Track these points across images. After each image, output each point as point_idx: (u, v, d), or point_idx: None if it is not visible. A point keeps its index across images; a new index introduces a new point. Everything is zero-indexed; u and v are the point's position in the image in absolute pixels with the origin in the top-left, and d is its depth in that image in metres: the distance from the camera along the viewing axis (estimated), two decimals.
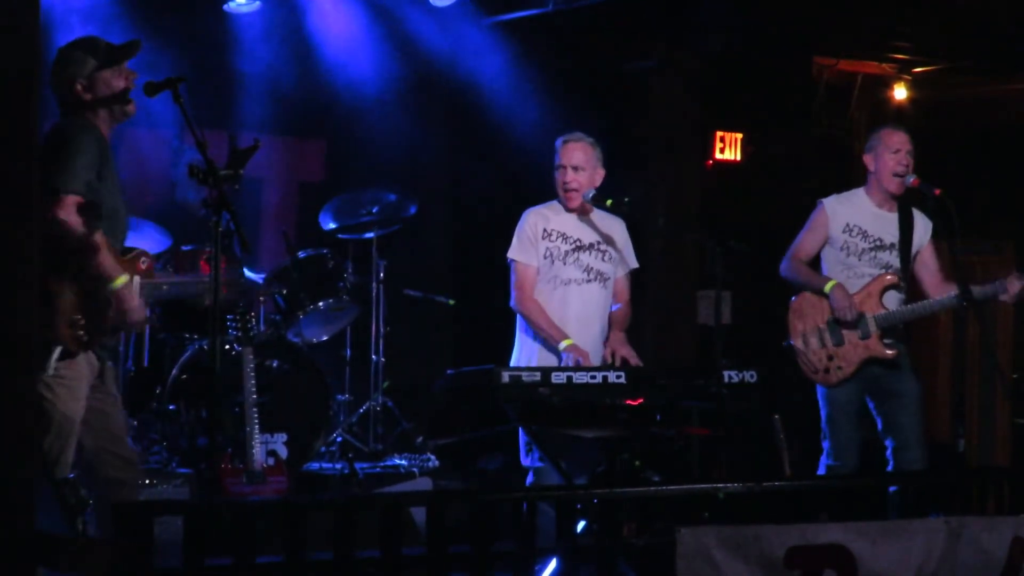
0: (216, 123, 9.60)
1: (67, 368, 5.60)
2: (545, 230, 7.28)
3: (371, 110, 10.47)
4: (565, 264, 7.26)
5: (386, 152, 10.53)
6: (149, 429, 8.83)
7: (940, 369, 11.05)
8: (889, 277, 7.47)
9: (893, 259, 7.52)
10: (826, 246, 7.62)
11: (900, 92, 11.70)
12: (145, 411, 8.89)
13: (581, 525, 5.99)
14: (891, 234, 7.54)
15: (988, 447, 11.06)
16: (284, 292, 9.11)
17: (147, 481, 8.14)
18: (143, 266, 5.94)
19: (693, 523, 5.12)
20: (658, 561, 5.10)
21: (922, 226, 7.62)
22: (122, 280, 5.69)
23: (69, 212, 5.48)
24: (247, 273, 9.14)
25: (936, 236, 7.63)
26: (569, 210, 7.35)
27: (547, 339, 7.11)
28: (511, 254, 7.32)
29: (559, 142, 7.38)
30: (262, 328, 9.05)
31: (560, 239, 7.27)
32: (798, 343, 7.52)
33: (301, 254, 9.23)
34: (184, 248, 9.03)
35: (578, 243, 7.30)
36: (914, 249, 7.58)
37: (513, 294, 7.27)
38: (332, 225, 9.84)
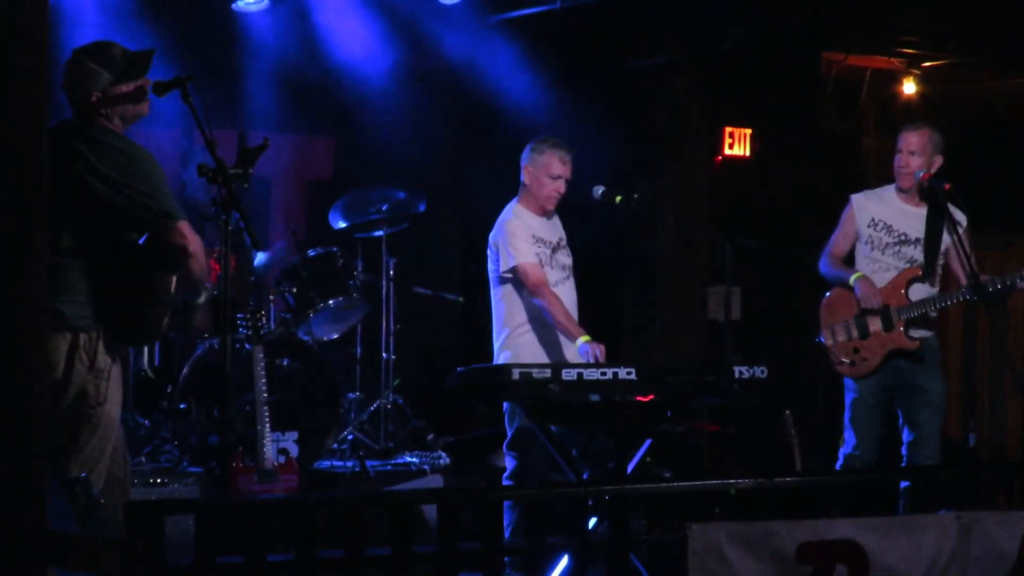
0: (225, 122, 9.62)
1: (114, 369, 5.63)
2: (533, 235, 7.31)
3: (379, 107, 10.47)
4: (552, 267, 7.32)
5: (395, 149, 10.53)
6: (160, 428, 8.85)
7: (950, 364, 11.04)
8: (914, 270, 7.54)
9: (918, 254, 7.58)
10: (857, 241, 7.72)
11: (909, 87, 11.67)
12: (156, 410, 8.91)
13: (592, 522, 6.01)
14: (917, 229, 7.60)
15: (999, 442, 11.06)
16: (294, 290, 9.12)
17: (158, 480, 8.16)
18: None
19: (704, 519, 5.12)
20: (669, 557, 5.11)
21: (953, 224, 7.63)
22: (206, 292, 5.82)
23: (196, 241, 5.58)
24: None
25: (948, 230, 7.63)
26: (533, 212, 7.41)
27: (565, 333, 7.12)
28: (514, 262, 7.25)
29: (562, 155, 7.37)
30: (272, 326, 9.06)
31: (541, 244, 7.33)
32: (827, 338, 7.62)
33: (311, 252, 9.24)
34: None
35: (552, 244, 7.38)
36: (944, 244, 7.61)
37: (536, 291, 7.18)
38: (341, 223, 9.84)
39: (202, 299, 5.82)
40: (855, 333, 7.55)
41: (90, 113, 5.69)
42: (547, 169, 7.34)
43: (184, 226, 5.59)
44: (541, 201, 7.37)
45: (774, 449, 9.33)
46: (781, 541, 5.11)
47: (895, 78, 11.75)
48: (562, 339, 7.23)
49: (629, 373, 6.33)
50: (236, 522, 4.69)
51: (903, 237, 7.60)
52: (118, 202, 5.48)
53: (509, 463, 7.26)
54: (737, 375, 6.44)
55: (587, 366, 6.50)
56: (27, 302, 4.24)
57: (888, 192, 7.73)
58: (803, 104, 11.34)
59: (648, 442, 6.91)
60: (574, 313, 7.37)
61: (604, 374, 6.30)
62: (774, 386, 6.63)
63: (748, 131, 11.27)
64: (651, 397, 6.50)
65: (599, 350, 6.96)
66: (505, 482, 7.26)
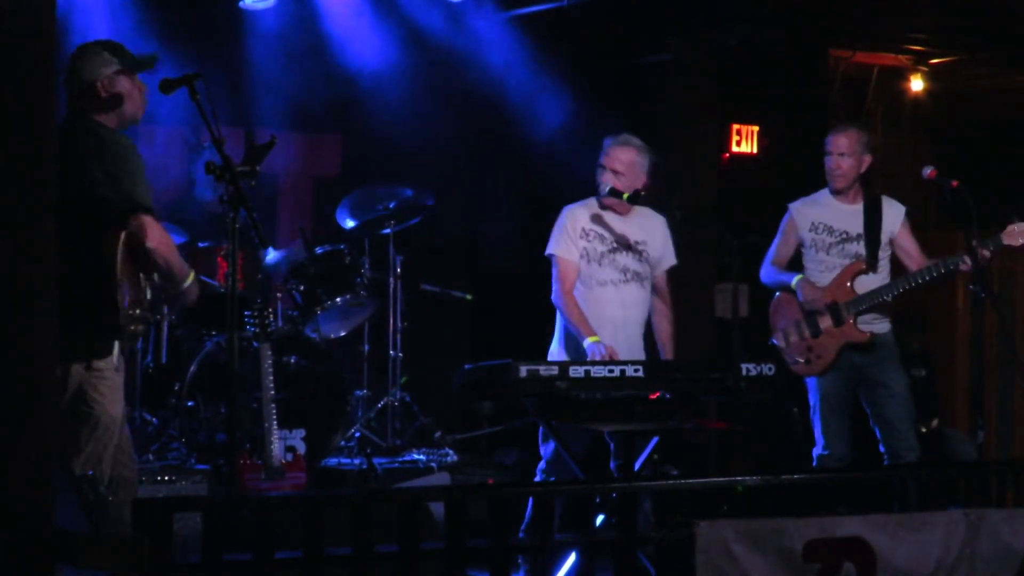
0: (232, 119, 9.62)
1: (109, 367, 5.63)
2: (584, 229, 7.29)
3: (387, 104, 10.46)
4: (601, 265, 7.28)
5: (402, 147, 10.52)
6: (168, 425, 8.85)
7: (958, 360, 11.04)
8: (857, 265, 7.69)
9: (860, 249, 7.75)
10: (801, 247, 7.89)
11: (917, 84, 11.67)
12: (163, 407, 8.91)
13: (600, 519, 6.01)
14: (856, 226, 7.77)
15: (1007, 439, 11.05)
16: (301, 288, 9.12)
17: (166, 477, 8.17)
18: None
19: (712, 516, 5.12)
20: (677, 555, 5.10)
21: (892, 213, 7.83)
22: (191, 277, 5.80)
23: (156, 235, 5.57)
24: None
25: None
26: (605, 207, 7.35)
27: (576, 333, 7.13)
28: (551, 250, 7.34)
29: (608, 142, 7.37)
30: (280, 324, 9.06)
31: (597, 240, 7.29)
32: (779, 340, 7.79)
33: (318, 250, 9.23)
34: (201, 245, 9.06)
35: (615, 245, 7.31)
36: (886, 236, 7.77)
37: (553, 287, 7.29)
38: (349, 221, 9.84)
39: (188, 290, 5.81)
40: (807, 332, 7.70)
41: (87, 108, 5.69)
42: (600, 160, 7.37)
43: (152, 223, 5.60)
44: (600, 196, 7.38)
45: (782, 446, 9.33)
46: (789, 539, 5.11)
47: (903, 75, 11.75)
48: (608, 330, 7.20)
49: (636, 370, 6.33)
50: (243, 519, 4.69)
51: (845, 235, 7.76)
52: (99, 193, 5.49)
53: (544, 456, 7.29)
54: (744, 372, 6.44)
55: (594, 363, 6.50)
56: (35, 303, 4.24)
57: (824, 196, 7.91)
58: (810, 101, 11.33)
59: (655, 439, 6.91)
60: (631, 318, 7.35)
61: (611, 371, 6.30)
62: (782, 383, 6.63)
63: (755, 128, 11.26)
64: (658, 394, 6.50)
65: (604, 350, 6.95)
66: (539, 473, 7.28)
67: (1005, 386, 10.98)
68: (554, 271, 7.31)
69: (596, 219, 7.34)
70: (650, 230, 7.42)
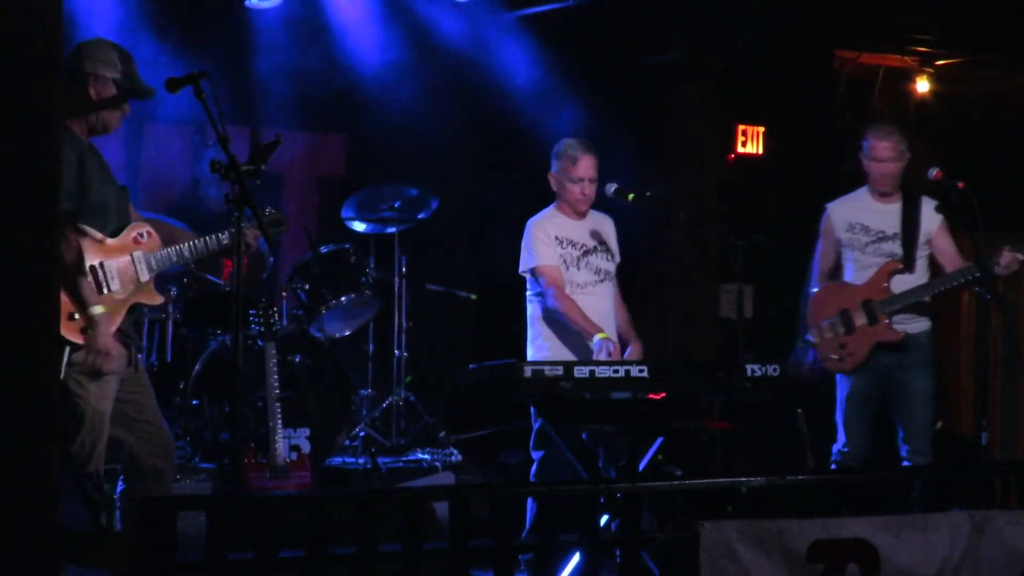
0: (238, 118, 9.62)
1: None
2: (556, 237, 7.33)
3: (392, 104, 10.46)
4: (579, 269, 7.33)
5: (407, 146, 10.53)
6: (172, 424, 8.81)
7: (963, 362, 11.04)
8: (893, 264, 7.66)
9: (896, 248, 7.71)
10: (840, 247, 7.86)
11: (922, 85, 11.65)
12: (168, 406, 8.90)
13: (604, 519, 6.00)
14: (893, 225, 7.74)
15: (1011, 440, 11.05)
16: (306, 287, 9.12)
17: None
18: (142, 240, 5.95)
19: (716, 517, 5.12)
20: (680, 555, 5.10)
21: (929, 213, 7.75)
22: (100, 309, 5.71)
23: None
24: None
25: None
26: (566, 214, 7.42)
27: (581, 331, 7.13)
28: (532, 263, 7.33)
29: (574, 152, 7.41)
30: (284, 323, 9.06)
31: (570, 246, 7.34)
32: (815, 336, 7.75)
33: (323, 249, 9.23)
34: None
35: (585, 247, 7.37)
36: (923, 236, 7.74)
37: (548, 293, 7.26)
38: (354, 220, 9.84)
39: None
40: (841, 329, 7.67)
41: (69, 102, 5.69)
42: (567, 173, 7.38)
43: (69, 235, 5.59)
44: (571, 204, 7.40)
45: (786, 447, 9.32)
46: (793, 539, 5.10)
47: (908, 76, 11.74)
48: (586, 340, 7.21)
49: (641, 371, 6.31)
50: (248, 518, 4.69)
51: (881, 235, 7.73)
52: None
53: (536, 459, 7.27)
54: (749, 373, 6.43)
55: (599, 363, 6.49)
56: (37, 303, 4.24)
57: (862, 195, 7.87)
58: (816, 102, 11.34)
59: (660, 440, 6.91)
60: (607, 317, 7.37)
61: (616, 372, 6.28)
62: (786, 384, 6.62)
63: (761, 129, 11.27)
64: (663, 395, 6.49)
65: (612, 346, 6.96)
66: (532, 477, 7.27)
67: (1009, 387, 10.98)
68: (542, 281, 7.30)
69: (562, 226, 7.41)
70: (606, 230, 7.51)
